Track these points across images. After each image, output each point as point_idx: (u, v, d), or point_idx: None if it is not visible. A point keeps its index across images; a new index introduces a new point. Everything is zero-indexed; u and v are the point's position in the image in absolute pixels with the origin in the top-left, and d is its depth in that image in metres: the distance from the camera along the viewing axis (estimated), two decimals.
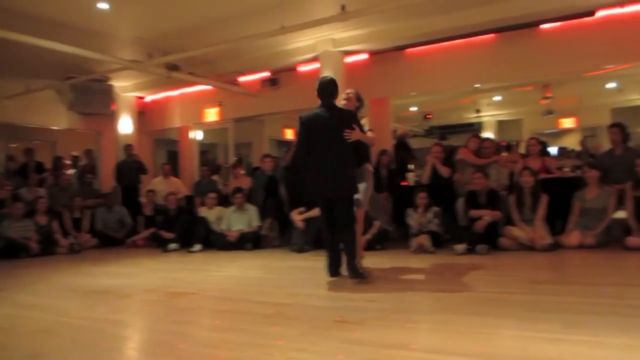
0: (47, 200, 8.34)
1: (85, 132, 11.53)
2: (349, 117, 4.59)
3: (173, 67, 8.66)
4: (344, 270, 4.54)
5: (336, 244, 4.55)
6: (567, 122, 15.09)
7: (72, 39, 7.18)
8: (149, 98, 11.62)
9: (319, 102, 4.63)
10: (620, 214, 5.93)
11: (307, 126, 4.49)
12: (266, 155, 8.46)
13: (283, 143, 13.40)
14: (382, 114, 9.61)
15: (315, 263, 4.87)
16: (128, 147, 10.04)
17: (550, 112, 13.23)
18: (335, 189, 4.46)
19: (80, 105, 9.87)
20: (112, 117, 10.84)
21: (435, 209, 6.36)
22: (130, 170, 9.86)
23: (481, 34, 7.91)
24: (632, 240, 5.47)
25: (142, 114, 11.50)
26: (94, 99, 9.91)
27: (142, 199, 9.30)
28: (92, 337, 3.10)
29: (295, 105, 9.70)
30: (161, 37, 7.84)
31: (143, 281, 5.24)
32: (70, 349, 2.86)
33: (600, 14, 7.15)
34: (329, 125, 4.47)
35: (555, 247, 5.76)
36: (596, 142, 14.39)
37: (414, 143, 11.02)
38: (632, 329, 2.63)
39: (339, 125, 4.48)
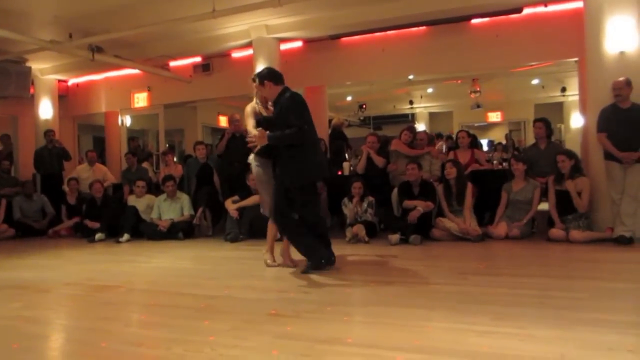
0: None
1: (0, 116, 10.77)
2: None
3: (96, 48, 8.19)
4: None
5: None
6: (494, 116, 15.71)
7: None
8: (71, 81, 11.00)
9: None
10: (544, 206, 6.21)
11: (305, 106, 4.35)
12: (199, 143, 8.23)
13: (217, 130, 13.12)
14: (317, 102, 9.58)
15: (249, 253, 4.77)
16: (49, 133, 9.45)
17: (478, 106, 13.70)
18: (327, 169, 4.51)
19: None
20: (30, 101, 10.16)
21: (370, 198, 6.39)
22: (51, 157, 9.31)
23: (414, 26, 8.03)
24: (554, 232, 5.72)
25: (64, 98, 10.88)
26: (9, 81, 9.20)
27: (65, 187, 8.81)
28: (3, 337, 2.86)
29: (229, 92, 9.51)
30: (83, 17, 7.37)
31: (64, 274, 4.92)
32: None
33: (526, 11, 7.41)
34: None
35: (484, 237, 5.93)
36: (519, 136, 15.10)
37: (349, 133, 11.10)
38: (556, 320, 2.70)
39: None
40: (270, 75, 4.42)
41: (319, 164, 4.38)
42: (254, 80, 4.64)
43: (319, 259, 4.33)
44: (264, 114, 4.62)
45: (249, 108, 4.70)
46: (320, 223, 4.52)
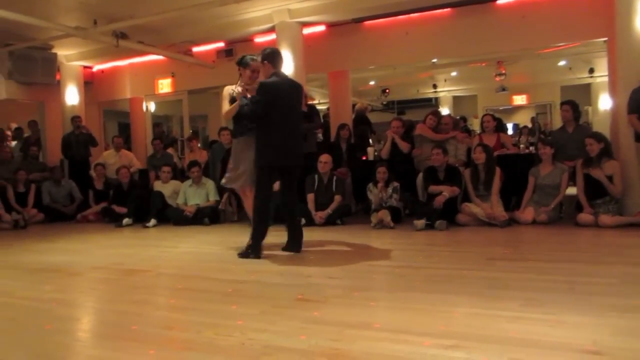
0: None
1: (27, 102, 10.95)
2: (300, 88, 4.80)
3: (121, 35, 8.24)
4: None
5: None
6: (519, 99, 15.45)
7: (8, 3, 6.67)
8: (96, 68, 11.12)
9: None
10: (572, 191, 6.10)
11: (275, 93, 4.41)
12: (223, 128, 8.24)
13: None
14: (341, 87, 9.55)
15: (275, 238, 4.78)
16: (76, 119, 9.60)
17: (503, 89, 13.47)
18: (298, 157, 4.60)
19: (20, 74, 9.27)
20: (56, 87, 10.28)
21: (395, 184, 6.36)
22: (78, 143, 9.47)
23: (438, 8, 7.89)
24: (582, 217, 5.62)
25: (90, 84, 11.00)
26: (35, 67, 9.32)
27: (92, 173, 8.96)
28: (36, 318, 2.92)
29: None
30: (107, 3, 7.38)
31: (93, 258, 5.03)
32: (11, 331, 2.69)
33: None
34: (292, 94, 4.59)
35: (510, 223, 5.86)
36: (546, 119, 14.83)
37: (372, 117, 11.03)
38: (587, 307, 2.66)
39: (298, 95, 4.70)
40: (270, 57, 4.56)
41: (276, 150, 4.42)
42: (238, 64, 4.79)
43: (254, 251, 4.47)
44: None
45: (225, 91, 4.84)
46: (258, 209, 4.55)
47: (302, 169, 4.99)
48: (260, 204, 4.51)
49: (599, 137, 5.86)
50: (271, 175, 4.51)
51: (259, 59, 4.64)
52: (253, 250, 4.46)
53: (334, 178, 6.65)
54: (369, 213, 6.36)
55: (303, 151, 4.72)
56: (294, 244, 4.63)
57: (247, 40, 9.16)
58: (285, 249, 4.66)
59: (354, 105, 9.96)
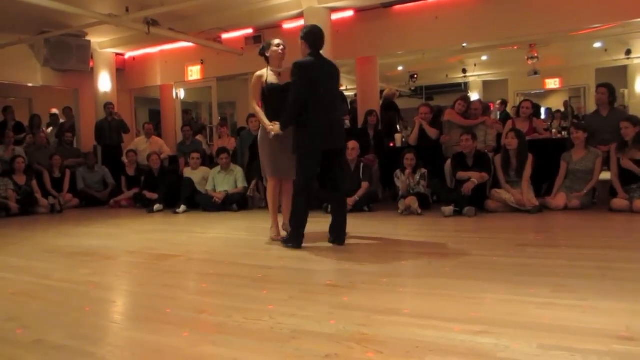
0: (25, 160, 8.14)
1: (62, 89, 11.19)
2: (338, 72, 4.51)
3: (152, 22, 8.33)
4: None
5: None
6: (552, 83, 15.09)
7: None
8: (128, 55, 11.27)
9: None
10: (606, 176, 5.96)
11: (311, 74, 4.18)
12: (252, 115, 8.28)
13: None
14: (369, 73, 9.48)
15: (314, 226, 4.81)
16: (108, 106, 9.78)
17: (536, 73, 13.17)
18: (340, 139, 4.38)
19: (56, 61, 9.49)
20: (90, 74, 10.49)
21: (423, 170, 6.32)
22: (111, 130, 9.66)
23: None
24: (616, 202, 5.51)
25: (122, 71, 11.18)
26: (70, 55, 9.52)
27: (124, 159, 9.14)
28: (74, 300, 3.02)
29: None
30: None
31: (127, 243, 5.16)
32: (51, 312, 2.78)
33: None
34: (331, 75, 4.36)
35: (541, 209, 5.77)
36: (579, 103, 14.46)
37: (400, 103, 10.94)
38: (620, 292, 2.63)
39: (337, 76, 4.45)
40: (308, 36, 4.27)
41: (317, 134, 4.17)
42: (261, 50, 4.69)
43: (293, 239, 4.28)
44: (276, 82, 4.55)
45: (255, 79, 4.59)
46: (299, 194, 4.31)
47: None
48: (300, 191, 4.28)
49: (635, 120, 5.71)
50: (313, 160, 4.25)
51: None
52: (293, 239, 4.27)
53: (361, 165, 6.65)
54: (397, 200, 6.35)
55: (344, 134, 4.49)
56: (339, 235, 4.35)
57: (276, 26, 9.16)
58: (331, 240, 4.37)
59: (381, 91, 9.89)
